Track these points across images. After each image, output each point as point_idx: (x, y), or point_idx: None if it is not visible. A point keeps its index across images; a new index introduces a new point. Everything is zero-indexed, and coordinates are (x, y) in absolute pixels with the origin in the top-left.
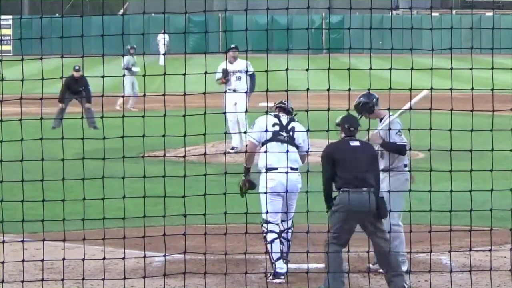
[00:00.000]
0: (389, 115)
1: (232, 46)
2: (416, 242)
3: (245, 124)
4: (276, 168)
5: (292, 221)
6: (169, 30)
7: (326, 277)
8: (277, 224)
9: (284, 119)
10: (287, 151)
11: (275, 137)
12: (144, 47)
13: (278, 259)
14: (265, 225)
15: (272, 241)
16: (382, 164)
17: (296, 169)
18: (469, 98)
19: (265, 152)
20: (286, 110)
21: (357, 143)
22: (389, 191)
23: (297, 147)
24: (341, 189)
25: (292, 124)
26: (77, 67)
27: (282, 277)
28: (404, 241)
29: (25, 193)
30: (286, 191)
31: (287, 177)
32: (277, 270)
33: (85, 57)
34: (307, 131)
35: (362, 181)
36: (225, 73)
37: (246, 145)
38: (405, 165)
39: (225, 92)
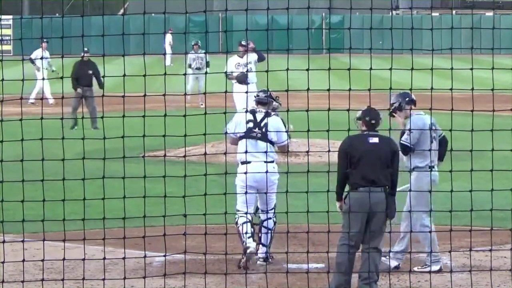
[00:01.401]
0: (416, 114)
1: (243, 42)
2: (417, 242)
3: None
4: (249, 162)
5: (275, 212)
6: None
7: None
8: (248, 214)
9: (260, 115)
10: (263, 152)
11: (248, 134)
12: (144, 47)
13: (248, 237)
14: (237, 213)
15: (244, 223)
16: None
17: (271, 161)
18: (469, 98)
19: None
20: (263, 103)
21: (376, 140)
22: (410, 190)
23: (271, 142)
24: (354, 187)
25: (267, 119)
26: (86, 49)
27: (252, 248)
28: (436, 241)
29: (25, 193)
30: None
31: (258, 171)
32: (248, 244)
33: (85, 57)
34: (308, 130)
35: (376, 179)
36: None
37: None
38: (430, 167)
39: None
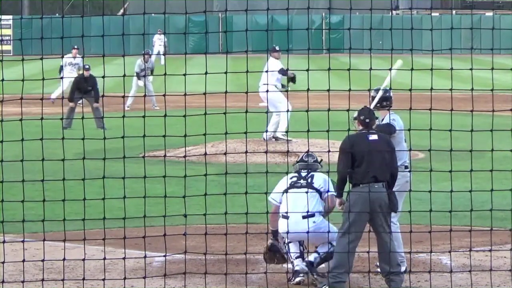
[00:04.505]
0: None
1: (277, 47)
2: (416, 242)
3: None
4: (287, 217)
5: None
6: (169, 30)
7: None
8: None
9: (304, 172)
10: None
11: (293, 185)
12: (144, 48)
13: (296, 257)
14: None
15: (290, 241)
16: None
17: (312, 215)
18: (469, 98)
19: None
20: (308, 166)
21: (375, 137)
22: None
23: (318, 191)
24: (356, 185)
25: (311, 173)
26: (86, 66)
27: (301, 275)
28: (401, 242)
29: (26, 193)
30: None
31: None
32: (296, 268)
33: (85, 57)
34: (308, 130)
35: (377, 176)
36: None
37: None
38: (406, 167)
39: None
